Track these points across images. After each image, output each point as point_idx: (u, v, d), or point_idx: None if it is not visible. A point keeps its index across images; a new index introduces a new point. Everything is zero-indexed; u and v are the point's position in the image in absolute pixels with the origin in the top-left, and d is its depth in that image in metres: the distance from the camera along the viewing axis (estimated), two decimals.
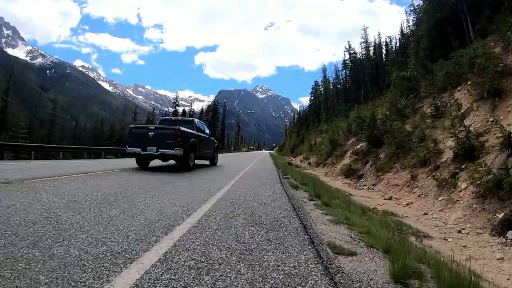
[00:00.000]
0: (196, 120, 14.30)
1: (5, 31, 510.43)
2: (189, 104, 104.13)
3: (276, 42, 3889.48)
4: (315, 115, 76.26)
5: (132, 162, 12.24)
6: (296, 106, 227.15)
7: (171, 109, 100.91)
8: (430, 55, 26.42)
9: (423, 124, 16.07)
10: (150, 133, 10.45)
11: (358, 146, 22.11)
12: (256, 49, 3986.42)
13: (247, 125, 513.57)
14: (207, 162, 15.77)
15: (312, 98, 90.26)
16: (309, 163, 33.34)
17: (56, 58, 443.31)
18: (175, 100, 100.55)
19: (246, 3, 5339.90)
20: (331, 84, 76.51)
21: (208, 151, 14.74)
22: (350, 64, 58.01)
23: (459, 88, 17.82)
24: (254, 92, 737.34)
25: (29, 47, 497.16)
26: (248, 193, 6.47)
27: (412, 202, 11.19)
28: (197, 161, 12.98)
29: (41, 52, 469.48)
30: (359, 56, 56.31)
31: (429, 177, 12.23)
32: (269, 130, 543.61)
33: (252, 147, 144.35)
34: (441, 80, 19.55)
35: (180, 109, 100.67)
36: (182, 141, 10.52)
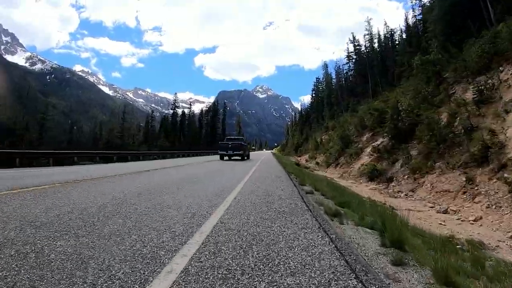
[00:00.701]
0: (243, 137, 28.30)
1: (4, 38, 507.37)
2: (189, 106, 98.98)
3: (276, 42, 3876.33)
4: (318, 112, 73.29)
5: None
6: (297, 105, 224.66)
7: (171, 111, 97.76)
8: (447, 40, 23.24)
9: (465, 112, 12.85)
10: (228, 145, 23.30)
11: (378, 142, 18.93)
12: (256, 49, 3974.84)
13: (248, 125, 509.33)
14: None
15: (314, 95, 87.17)
16: (317, 163, 30.13)
17: (56, 64, 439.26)
18: (173, 102, 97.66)
19: (245, 3, 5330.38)
20: (333, 80, 73.60)
21: (247, 152, 27.49)
22: (354, 57, 54.66)
23: (501, 68, 14.86)
24: (254, 92, 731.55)
25: (28, 53, 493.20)
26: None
27: (481, 217, 7.96)
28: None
29: (40, 58, 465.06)
30: (363, 49, 53.02)
31: (494, 180, 9.02)
32: (270, 130, 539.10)
33: (253, 147, 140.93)
34: (475, 61, 16.47)
35: (179, 111, 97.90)
36: (241, 148, 23.55)
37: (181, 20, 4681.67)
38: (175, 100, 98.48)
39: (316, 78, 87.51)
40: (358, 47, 53.07)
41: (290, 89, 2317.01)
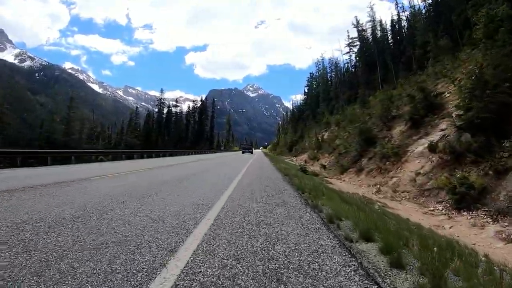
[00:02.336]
0: (251, 143, 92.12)
1: None
2: (179, 105, 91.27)
3: (267, 41, 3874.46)
4: (312, 109, 66.22)
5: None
6: (288, 104, 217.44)
7: (156, 109, 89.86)
8: None
9: None
10: (246, 148, 60.53)
11: (436, 137, 11.64)
12: (247, 48, 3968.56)
13: (239, 124, 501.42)
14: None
15: (307, 92, 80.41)
16: (323, 166, 22.70)
17: (45, 61, 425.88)
18: (158, 100, 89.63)
19: (236, 1, 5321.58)
20: (328, 74, 66.96)
21: (252, 150, 61.39)
22: (358, 44, 47.36)
23: None
24: (245, 91, 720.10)
25: (18, 50, 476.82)
26: None
27: None
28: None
29: (30, 55, 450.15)
30: (368, 35, 45.72)
31: None
32: (261, 129, 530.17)
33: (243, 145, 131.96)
34: None
35: (172, 110, 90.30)
36: (250, 149, 59.21)
37: (172, 18, 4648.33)
38: (161, 97, 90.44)
39: (310, 73, 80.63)
40: (362, 32, 45.67)
41: (281, 89, 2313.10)
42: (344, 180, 15.63)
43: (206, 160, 24.02)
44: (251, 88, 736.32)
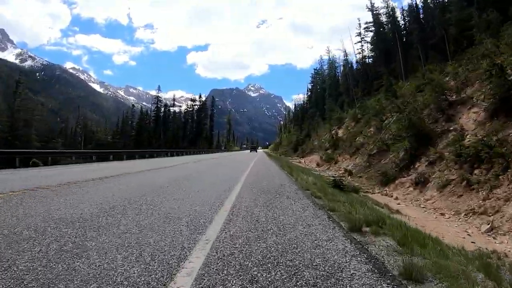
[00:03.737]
0: (256, 144, 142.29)
1: None
2: (180, 104, 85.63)
3: (268, 41, 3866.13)
4: (317, 106, 61.18)
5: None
6: (290, 104, 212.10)
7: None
8: None
9: None
10: (252, 148, 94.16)
11: None
12: (248, 48, 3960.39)
13: (240, 124, 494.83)
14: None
15: (311, 88, 74.98)
16: (349, 172, 17.01)
17: (46, 61, 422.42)
18: (155, 98, 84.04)
19: (237, 1, 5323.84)
20: (337, 68, 61.79)
21: (257, 149, 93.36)
22: (372, 29, 41.57)
23: None
24: (246, 91, 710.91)
25: (19, 50, 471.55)
26: None
27: None
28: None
29: (31, 54, 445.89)
30: (384, 19, 39.97)
31: None
32: (262, 129, 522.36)
33: (245, 145, 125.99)
34: None
35: (170, 108, 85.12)
36: (256, 149, 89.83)
37: (173, 18, 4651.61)
38: (157, 94, 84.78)
39: (314, 69, 74.96)
40: (378, 16, 39.88)
41: (282, 88, 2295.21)
42: (396, 198, 9.98)
43: (196, 163, 18.64)
44: (252, 88, 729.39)
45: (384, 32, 38.48)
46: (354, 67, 50.99)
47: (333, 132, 30.79)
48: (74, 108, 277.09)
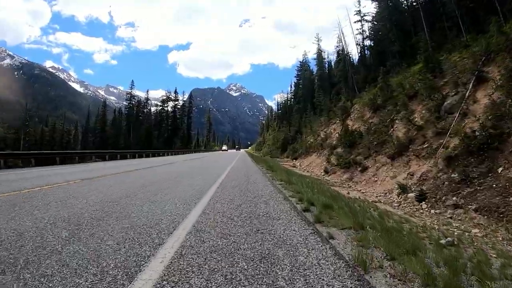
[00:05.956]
0: (239, 145, 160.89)
1: None
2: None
3: (251, 40, 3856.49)
4: (306, 100, 54.41)
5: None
6: (271, 104, 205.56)
7: (125, 103, 74.70)
8: None
9: None
10: (236, 146, 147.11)
11: None
12: (231, 47, 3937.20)
13: (222, 124, 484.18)
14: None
15: (297, 82, 67.57)
16: (420, 194, 8.90)
17: (25, 59, 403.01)
18: (128, 94, 74.61)
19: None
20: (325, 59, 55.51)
21: (241, 149, 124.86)
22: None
23: None
24: (228, 90, 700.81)
25: None
26: None
27: None
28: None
29: (9, 52, 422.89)
30: None
31: None
32: (244, 128, 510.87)
33: (225, 147, 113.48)
34: None
35: (150, 107, 75.75)
36: (240, 148, 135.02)
37: (155, 16, 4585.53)
38: (131, 92, 74.96)
39: (300, 62, 67.36)
40: None
41: (264, 88, 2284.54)
42: None
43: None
44: (234, 88, 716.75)
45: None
46: (355, 51, 43.18)
47: (336, 126, 22.63)
48: (53, 107, 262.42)
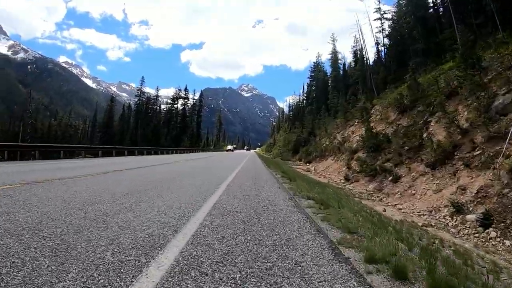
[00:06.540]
0: (249, 145, 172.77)
1: None
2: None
3: (264, 41, 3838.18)
4: (319, 101, 52.94)
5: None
6: (282, 105, 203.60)
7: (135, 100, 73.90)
8: None
9: None
10: (246, 147, 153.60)
11: None
12: (243, 48, 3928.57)
13: (232, 124, 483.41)
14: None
15: (310, 83, 66.25)
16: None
17: (39, 54, 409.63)
18: (138, 91, 73.76)
19: (234, 0, 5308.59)
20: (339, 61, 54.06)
21: (251, 149, 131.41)
22: None
23: None
24: (239, 91, 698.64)
25: (11, 42, 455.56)
26: None
27: None
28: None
29: (23, 47, 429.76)
30: None
31: None
32: (255, 129, 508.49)
33: (230, 147, 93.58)
34: None
35: (160, 104, 74.95)
36: (250, 148, 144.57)
37: (169, 14, 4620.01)
38: (141, 88, 74.14)
39: (314, 63, 65.95)
40: None
41: (276, 89, 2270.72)
42: None
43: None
44: (245, 88, 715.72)
45: None
46: (372, 53, 41.04)
47: (360, 127, 20.62)
48: (66, 102, 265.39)
